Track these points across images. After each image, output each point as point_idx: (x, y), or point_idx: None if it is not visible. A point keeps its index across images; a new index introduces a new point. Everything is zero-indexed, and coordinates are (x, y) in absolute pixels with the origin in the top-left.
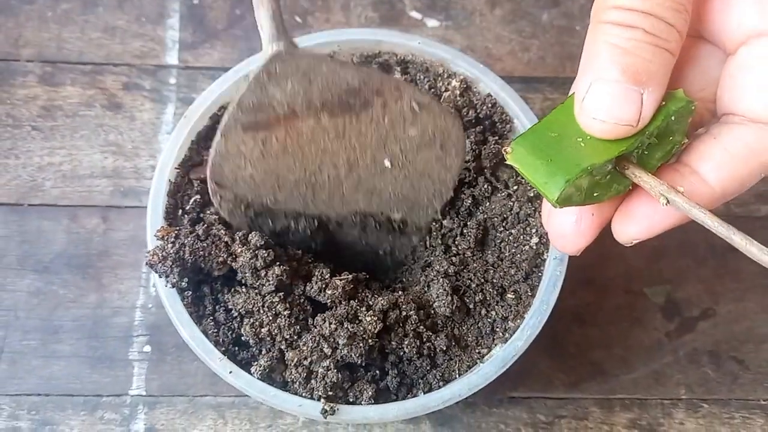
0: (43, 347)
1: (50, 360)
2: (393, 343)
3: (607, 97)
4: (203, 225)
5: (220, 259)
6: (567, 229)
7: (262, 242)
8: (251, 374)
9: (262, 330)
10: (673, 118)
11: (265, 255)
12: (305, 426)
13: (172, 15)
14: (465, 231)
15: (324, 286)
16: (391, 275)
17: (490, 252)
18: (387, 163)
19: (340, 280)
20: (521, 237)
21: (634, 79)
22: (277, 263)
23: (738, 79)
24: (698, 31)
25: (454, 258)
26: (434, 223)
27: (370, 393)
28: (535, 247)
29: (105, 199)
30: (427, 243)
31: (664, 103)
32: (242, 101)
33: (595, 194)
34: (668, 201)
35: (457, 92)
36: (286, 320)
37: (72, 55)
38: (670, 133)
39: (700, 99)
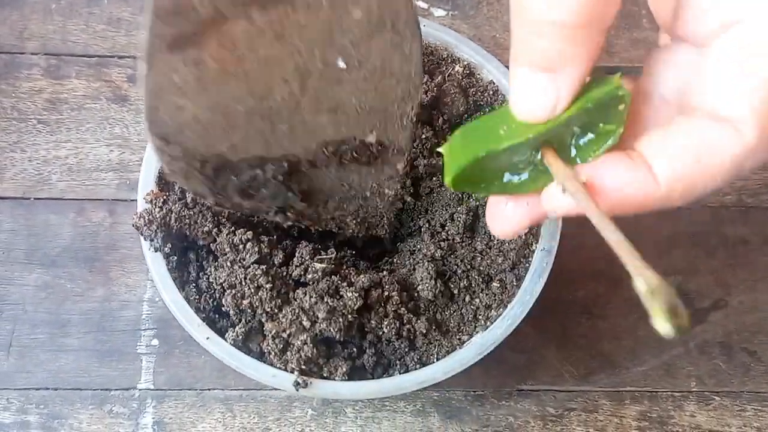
0: (51, 341)
1: (58, 354)
2: (373, 322)
3: (519, 84)
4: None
5: (206, 228)
6: (498, 213)
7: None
8: (226, 341)
9: (243, 302)
10: (590, 105)
11: (244, 233)
12: (313, 419)
13: None
14: (455, 216)
15: (304, 270)
16: (383, 230)
17: (478, 239)
18: (341, 63)
19: (320, 262)
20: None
21: (543, 66)
22: (259, 238)
23: (706, 72)
24: (673, 31)
25: (442, 243)
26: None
27: (344, 369)
28: (524, 237)
29: (111, 192)
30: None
31: (587, 89)
32: (159, 6)
33: (518, 184)
34: (564, 189)
35: (460, 77)
36: (267, 293)
37: (77, 47)
38: (598, 120)
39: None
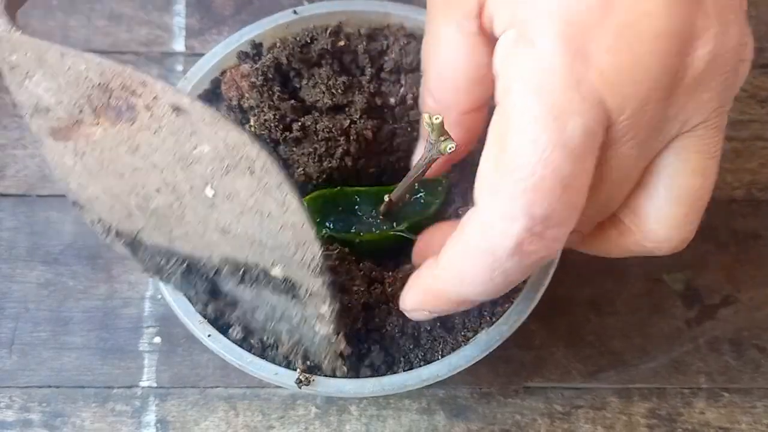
0: (54, 339)
1: (61, 352)
2: (377, 319)
3: None
4: None
5: None
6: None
7: None
8: (228, 338)
9: None
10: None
11: None
12: (317, 417)
13: (179, 1)
14: (460, 212)
15: None
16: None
17: None
18: (208, 191)
19: (326, 259)
20: None
21: None
22: None
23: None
24: None
25: None
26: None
27: (348, 366)
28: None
29: None
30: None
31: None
32: (20, 102)
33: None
34: None
35: None
36: None
37: (78, 43)
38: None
39: None
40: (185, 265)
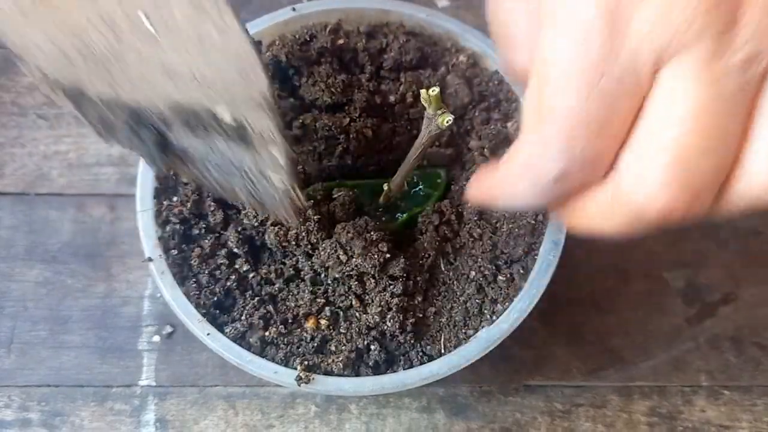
0: (52, 338)
1: (59, 351)
2: (376, 317)
3: None
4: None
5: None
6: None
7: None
8: (226, 335)
9: (290, 233)
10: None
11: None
12: (317, 416)
13: None
14: (462, 212)
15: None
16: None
17: (486, 230)
18: (147, 23)
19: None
20: (518, 214)
21: None
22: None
23: None
24: None
25: (447, 233)
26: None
27: (347, 365)
28: (533, 222)
29: (112, 187)
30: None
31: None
32: None
33: None
34: None
35: (464, 67)
36: (314, 225)
37: None
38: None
39: None
40: (132, 116)
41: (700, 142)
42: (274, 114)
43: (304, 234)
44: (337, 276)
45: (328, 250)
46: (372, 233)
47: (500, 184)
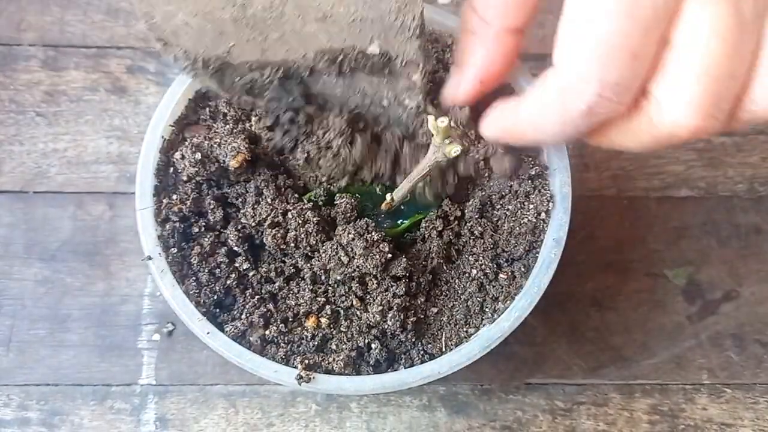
0: (51, 336)
1: (58, 349)
2: (377, 315)
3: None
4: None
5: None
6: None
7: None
8: (226, 334)
9: (288, 235)
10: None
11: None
12: (318, 414)
13: None
14: (465, 211)
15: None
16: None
17: (487, 228)
18: None
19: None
20: (519, 212)
21: (456, 63)
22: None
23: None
24: None
25: (449, 231)
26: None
27: (348, 363)
28: (534, 220)
29: (111, 185)
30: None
31: None
32: None
33: None
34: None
35: None
36: (314, 227)
37: (75, 38)
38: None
39: None
40: (281, 73)
41: (728, 64)
42: (423, 35)
43: (303, 236)
44: (338, 278)
45: (329, 252)
46: (373, 234)
47: (527, 117)
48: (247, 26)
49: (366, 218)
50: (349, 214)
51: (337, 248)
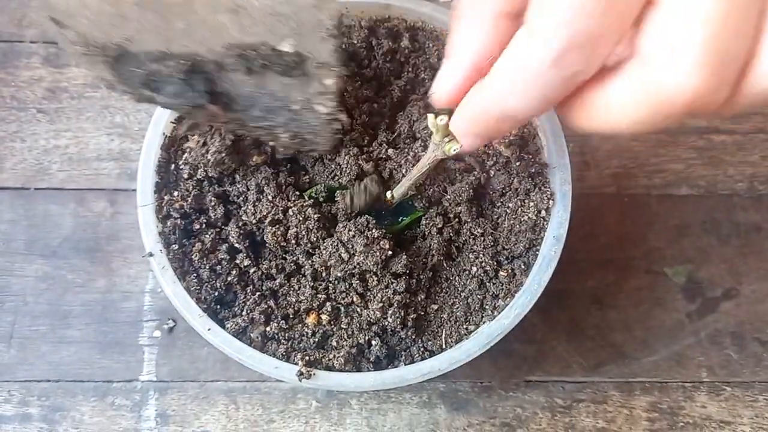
0: (53, 333)
1: (60, 345)
2: (377, 313)
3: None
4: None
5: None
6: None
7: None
8: (227, 330)
9: (290, 231)
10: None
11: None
12: (318, 411)
13: None
14: (465, 209)
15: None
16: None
17: (487, 225)
18: None
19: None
20: (519, 210)
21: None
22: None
23: None
24: None
25: (449, 228)
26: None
27: (349, 360)
28: (534, 218)
29: (112, 182)
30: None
31: None
32: None
33: None
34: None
35: None
36: (314, 224)
37: None
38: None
39: None
40: (186, 66)
41: (731, 23)
42: (338, 37)
43: (304, 233)
44: (339, 275)
45: (330, 249)
46: (373, 231)
47: (493, 90)
48: (151, 12)
49: (366, 215)
50: (349, 209)
51: (337, 245)
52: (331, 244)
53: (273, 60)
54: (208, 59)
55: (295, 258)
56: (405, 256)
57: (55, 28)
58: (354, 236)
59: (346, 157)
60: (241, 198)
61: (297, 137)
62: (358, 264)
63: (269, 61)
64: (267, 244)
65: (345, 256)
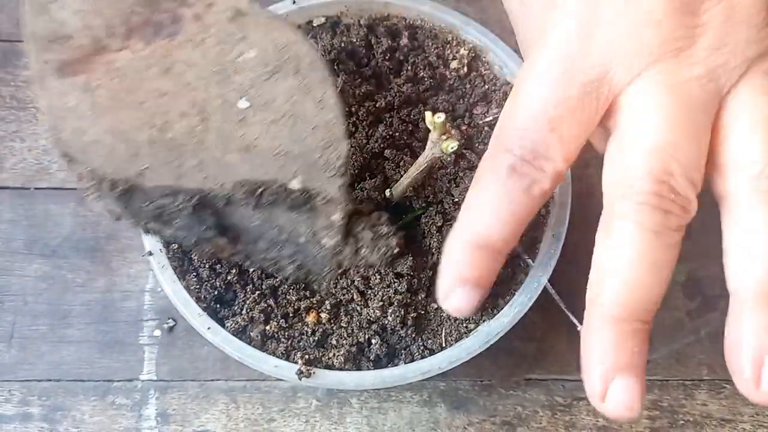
0: (53, 332)
1: (60, 345)
2: (377, 311)
3: None
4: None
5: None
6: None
7: None
8: (227, 329)
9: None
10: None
11: None
12: (318, 410)
13: None
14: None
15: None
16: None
17: None
18: (243, 103)
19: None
20: None
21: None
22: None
23: None
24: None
25: (448, 226)
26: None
27: (348, 359)
28: (534, 216)
29: None
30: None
31: None
32: (35, 33)
33: None
34: None
35: (466, 61)
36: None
37: None
38: None
39: None
40: (194, 200)
41: (678, 136)
42: (347, 174)
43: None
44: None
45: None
46: (383, 227)
47: (462, 218)
48: (164, 149)
49: (381, 211)
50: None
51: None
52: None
53: (281, 196)
54: (217, 194)
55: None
56: (411, 258)
57: (66, 164)
58: (363, 228)
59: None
60: None
61: (302, 268)
62: (363, 257)
63: (278, 197)
64: None
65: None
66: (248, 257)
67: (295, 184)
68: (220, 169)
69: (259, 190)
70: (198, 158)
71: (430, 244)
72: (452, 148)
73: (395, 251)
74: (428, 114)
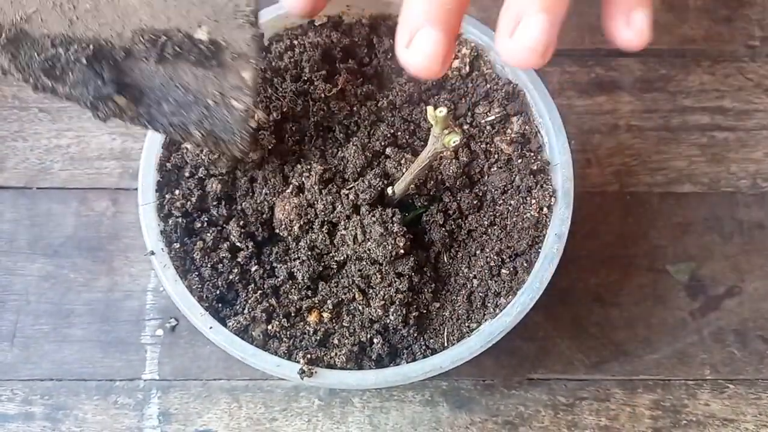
0: (55, 332)
1: (62, 344)
2: (378, 311)
3: None
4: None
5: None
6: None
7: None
8: (228, 329)
9: (310, 210)
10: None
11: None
12: (320, 409)
13: None
14: (463, 205)
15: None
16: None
17: (486, 222)
18: None
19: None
20: (521, 208)
21: None
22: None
23: None
24: None
25: (451, 225)
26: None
27: (351, 358)
28: (536, 215)
29: (114, 181)
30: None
31: None
32: None
33: None
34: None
35: (467, 60)
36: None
37: None
38: None
39: None
40: (91, 52)
41: None
42: (257, 25)
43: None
44: (349, 253)
45: (350, 227)
46: (394, 225)
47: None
48: None
49: (395, 208)
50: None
51: (357, 224)
52: (352, 223)
53: (186, 48)
54: (115, 44)
55: (296, 256)
56: (413, 259)
57: None
58: (375, 222)
59: (353, 151)
60: (239, 193)
61: (211, 135)
62: (368, 250)
63: (182, 50)
64: (276, 230)
65: (360, 237)
66: (151, 121)
67: (200, 34)
68: (119, 14)
69: (161, 40)
70: (93, 1)
71: (432, 243)
72: (455, 142)
73: (400, 251)
74: (430, 109)
